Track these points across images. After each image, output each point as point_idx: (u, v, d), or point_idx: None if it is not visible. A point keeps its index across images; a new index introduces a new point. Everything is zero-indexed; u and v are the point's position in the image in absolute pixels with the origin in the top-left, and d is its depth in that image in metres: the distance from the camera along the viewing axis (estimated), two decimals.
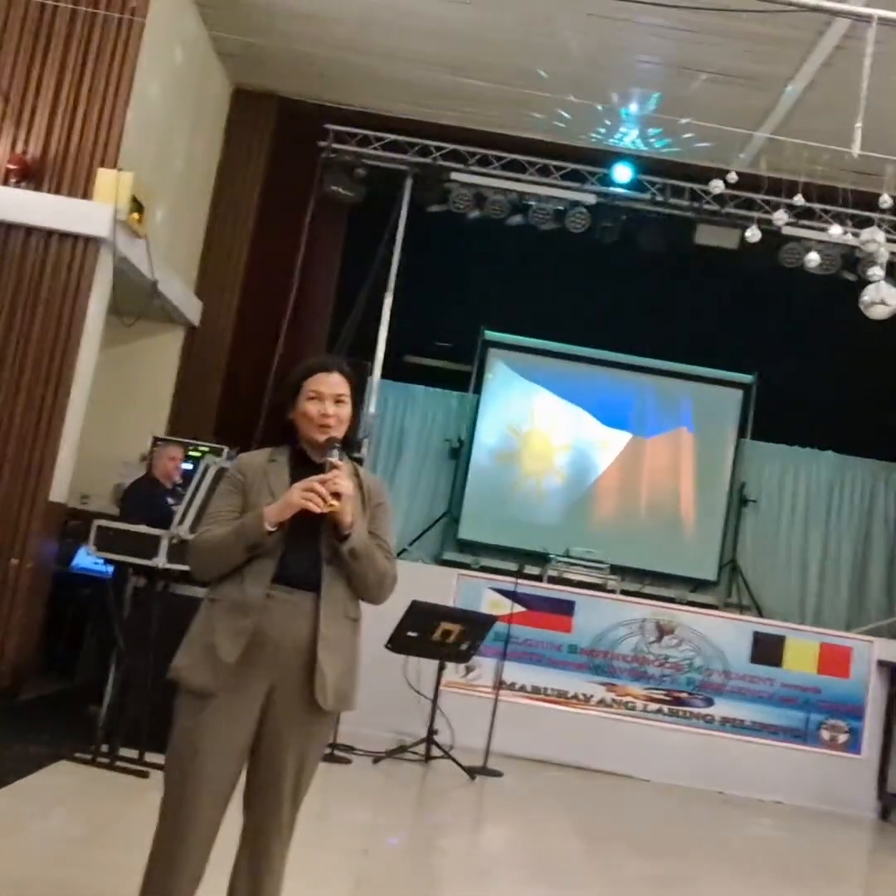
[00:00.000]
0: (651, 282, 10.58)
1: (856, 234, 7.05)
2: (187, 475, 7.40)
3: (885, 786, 8.07)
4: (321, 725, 2.98)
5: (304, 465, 2.95)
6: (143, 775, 5.49)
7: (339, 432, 2.93)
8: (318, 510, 2.80)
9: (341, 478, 2.84)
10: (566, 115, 9.48)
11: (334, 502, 2.80)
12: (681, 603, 10.05)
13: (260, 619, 2.82)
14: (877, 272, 6.95)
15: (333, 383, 2.94)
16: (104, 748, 5.63)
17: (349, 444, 3.01)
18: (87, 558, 7.95)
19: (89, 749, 5.64)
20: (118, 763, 5.56)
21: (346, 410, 2.95)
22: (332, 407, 2.92)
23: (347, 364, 3.05)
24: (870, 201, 6.89)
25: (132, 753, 5.63)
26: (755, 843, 6.70)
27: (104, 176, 7.30)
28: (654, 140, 9.77)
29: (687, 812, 7.23)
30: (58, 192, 7.35)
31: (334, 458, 2.88)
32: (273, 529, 2.83)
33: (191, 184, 9.34)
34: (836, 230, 7.22)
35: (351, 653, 3.00)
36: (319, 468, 2.89)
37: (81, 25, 7.42)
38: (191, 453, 8.24)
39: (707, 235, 10.05)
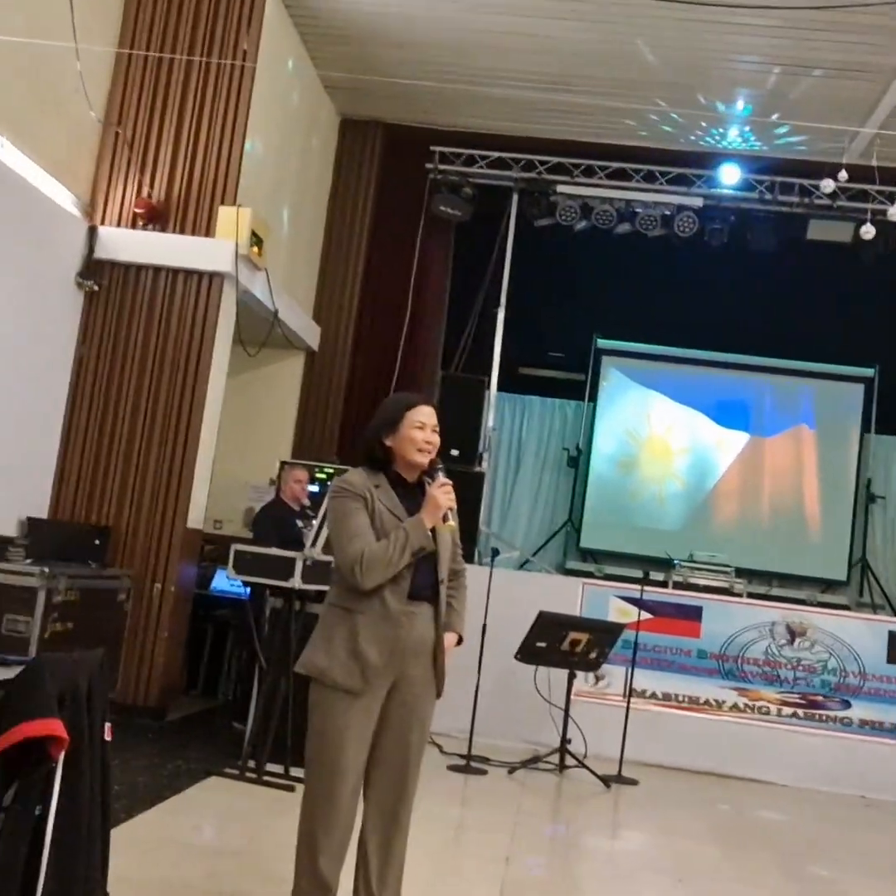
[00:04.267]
0: (763, 280, 10.48)
1: None
2: (314, 497, 7.64)
3: None
4: (431, 708, 3.49)
5: (403, 485, 3.42)
6: (290, 789, 5.71)
7: (433, 456, 3.43)
8: (452, 507, 3.32)
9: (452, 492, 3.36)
10: (669, 120, 9.48)
11: (452, 522, 3.36)
12: (811, 604, 9.89)
13: (399, 629, 3.27)
14: None
15: (431, 414, 3.43)
16: (251, 764, 5.87)
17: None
18: (224, 581, 8.28)
19: (237, 765, 5.89)
20: (265, 778, 5.79)
21: (437, 438, 3.44)
22: (431, 435, 3.40)
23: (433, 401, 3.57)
24: None
25: (278, 768, 5.87)
26: None
27: (225, 213, 7.62)
28: (759, 138, 9.69)
29: (829, 817, 7.13)
30: (182, 231, 7.70)
31: (442, 476, 3.38)
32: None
33: (305, 213, 9.65)
34: None
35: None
36: (416, 488, 3.42)
37: (197, 74, 7.78)
38: (316, 475, 8.49)
39: (820, 231, 9.92)
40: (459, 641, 3.51)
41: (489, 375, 10.37)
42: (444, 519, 3.34)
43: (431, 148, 10.24)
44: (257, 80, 7.84)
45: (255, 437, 9.52)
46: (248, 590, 6.81)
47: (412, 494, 3.40)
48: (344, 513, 3.32)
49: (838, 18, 7.70)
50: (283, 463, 8.72)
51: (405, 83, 9.11)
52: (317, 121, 9.67)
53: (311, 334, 9.85)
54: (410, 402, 3.42)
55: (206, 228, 7.69)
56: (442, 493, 3.32)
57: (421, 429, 3.38)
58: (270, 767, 5.84)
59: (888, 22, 7.66)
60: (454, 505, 3.36)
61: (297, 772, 5.88)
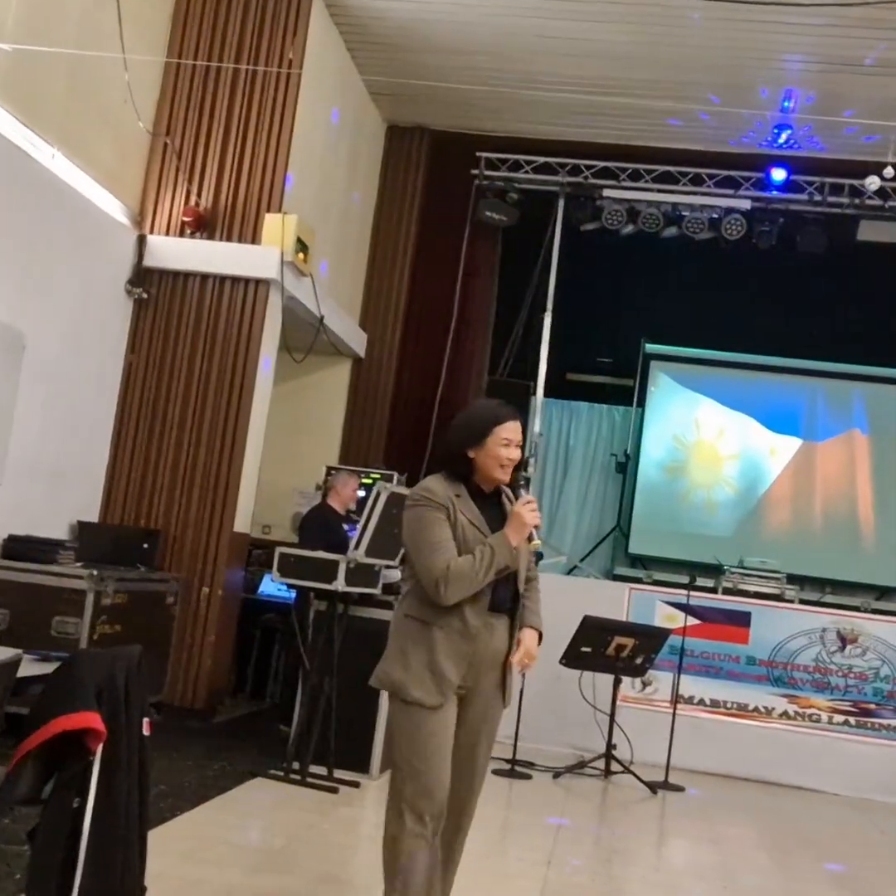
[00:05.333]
0: (813, 283, 10.35)
1: None
2: (360, 502, 7.67)
3: None
4: (500, 717, 3.48)
5: (483, 498, 3.37)
6: (334, 791, 5.74)
7: (512, 472, 3.37)
8: (539, 524, 3.29)
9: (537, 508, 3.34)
10: (714, 122, 9.41)
11: (537, 540, 3.31)
12: (865, 611, 9.72)
13: (477, 643, 3.28)
14: None
15: (518, 430, 3.36)
16: (295, 765, 5.90)
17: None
18: (271, 585, 8.35)
19: (281, 767, 5.93)
20: (309, 779, 5.82)
21: (519, 453, 3.37)
22: (515, 452, 3.34)
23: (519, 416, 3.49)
24: None
25: (321, 770, 5.90)
26: None
27: (271, 220, 7.70)
28: (807, 139, 9.58)
29: (880, 826, 7.01)
30: (229, 239, 7.80)
31: (526, 493, 3.35)
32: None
33: (351, 220, 9.72)
34: None
35: None
36: (493, 499, 3.38)
37: (243, 82, 7.88)
38: (363, 481, 8.52)
39: (870, 232, 9.79)
40: (540, 638, 3.47)
41: (536, 381, 10.35)
42: (530, 539, 3.30)
43: (477, 154, 10.25)
44: (303, 87, 7.92)
45: (303, 443, 9.60)
46: (294, 593, 6.87)
47: (490, 505, 3.37)
48: (426, 522, 3.26)
49: (881, 15, 7.60)
50: (329, 468, 8.78)
51: (449, 89, 9.14)
52: (362, 127, 9.74)
53: (358, 341, 9.91)
54: (499, 418, 3.33)
55: (253, 236, 7.78)
56: (528, 511, 3.27)
57: (506, 446, 3.31)
58: (314, 769, 5.88)
59: None
60: (540, 523, 3.31)
61: (340, 774, 5.92)
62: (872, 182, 6.99)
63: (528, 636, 3.41)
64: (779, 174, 9.78)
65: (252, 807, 5.48)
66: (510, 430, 3.32)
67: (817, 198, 9.88)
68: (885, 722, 8.02)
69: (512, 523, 3.27)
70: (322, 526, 7.36)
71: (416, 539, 3.27)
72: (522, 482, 3.39)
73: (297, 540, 7.59)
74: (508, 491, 3.44)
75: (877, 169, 7.13)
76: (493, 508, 3.36)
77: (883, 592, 10.93)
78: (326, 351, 9.38)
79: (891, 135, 7.70)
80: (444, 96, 9.50)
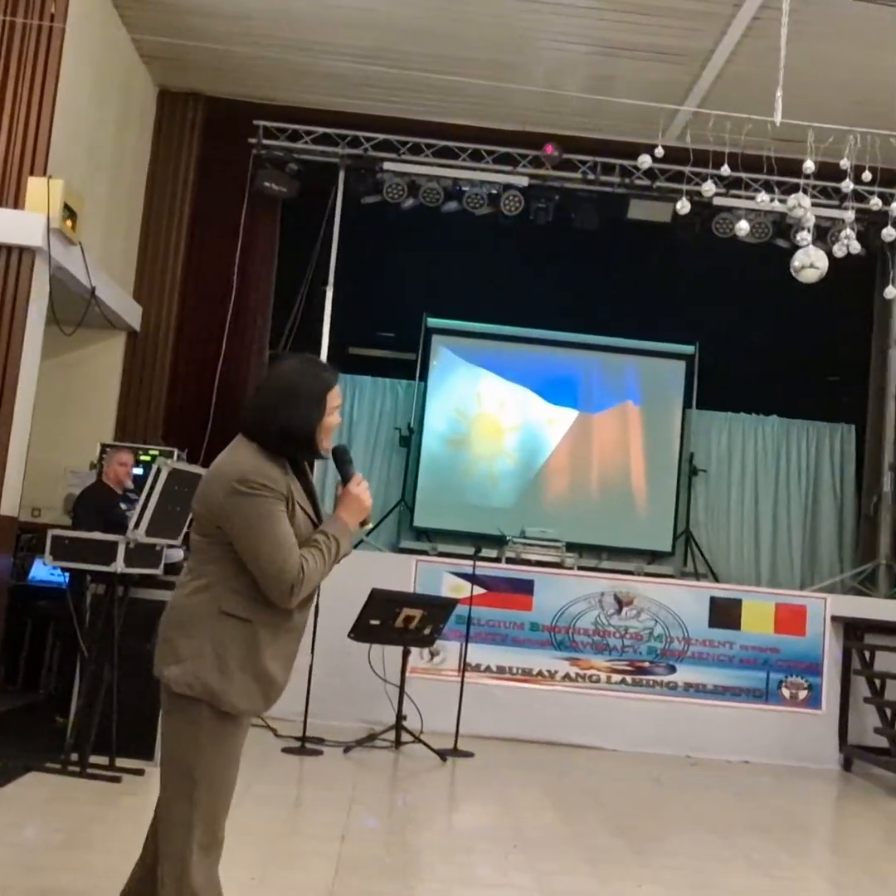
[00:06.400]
0: (588, 259, 10.70)
1: (783, 201, 7.17)
2: (138, 480, 7.38)
3: (846, 738, 8.28)
4: None
5: (301, 475, 2.98)
6: (116, 780, 5.51)
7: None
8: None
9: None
10: (493, 99, 9.52)
11: (369, 523, 3.03)
12: (638, 575, 10.18)
13: (298, 643, 2.97)
14: (805, 237, 7.08)
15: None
16: (74, 757, 5.63)
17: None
18: (43, 570, 7.92)
19: (59, 759, 5.64)
20: (89, 770, 5.56)
21: None
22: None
23: None
24: (794, 168, 7.01)
25: (103, 760, 5.65)
26: (725, 802, 6.83)
27: (35, 184, 7.23)
28: (581, 119, 9.85)
29: (654, 776, 7.35)
30: None
31: (353, 468, 3.02)
32: None
33: (122, 187, 9.27)
34: (763, 198, 7.33)
35: None
36: (303, 473, 2.98)
37: (0, 33, 7.35)
38: (141, 458, 8.21)
39: (640, 210, 10.20)
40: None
41: (318, 355, 10.23)
42: (364, 522, 3.00)
43: (254, 122, 10.02)
44: (67, 43, 7.45)
45: (74, 420, 9.11)
46: (68, 577, 6.53)
47: (305, 481, 2.98)
48: (271, 518, 2.80)
49: (654, 2, 7.89)
50: (104, 446, 8.40)
51: (224, 54, 8.86)
52: (133, 91, 9.29)
53: (132, 314, 9.49)
54: (330, 384, 2.95)
55: (15, 200, 7.28)
56: (363, 491, 2.98)
57: (335, 412, 2.98)
58: (95, 760, 5.62)
59: (701, 7, 7.90)
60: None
61: (123, 762, 5.68)
62: (644, 161, 7.24)
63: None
64: (553, 152, 10.00)
65: (28, 803, 5.17)
66: (338, 395, 2.99)
67: (590, 176, 10.19)
68: (657, 678, 8.42)
69: (349, 506, 2.96)
70: (98, 505, 7.04)
71: (254, 535, 2.79)
72: (349, 457, 3.03)
73: (71, 522, 7.24)
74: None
75: (646, 149, 7.39)
76: (306, 483, 3.00)
77: (654, 556, 11.48)
78: (99, 324, 8.92)
79: (660, 117, 8.01)
80: (219, 62, 9.19)
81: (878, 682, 8.15)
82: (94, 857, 4.37)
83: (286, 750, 6.84)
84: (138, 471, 7.73)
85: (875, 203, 7.31)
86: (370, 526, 3.02)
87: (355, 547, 10.34)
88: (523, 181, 10.18)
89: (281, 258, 10.58)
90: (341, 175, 10.22)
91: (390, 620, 7.09)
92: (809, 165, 6.69)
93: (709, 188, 7.04)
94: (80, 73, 7.87)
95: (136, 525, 5.59)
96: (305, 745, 6.91)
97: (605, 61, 8.82)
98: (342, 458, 3.02)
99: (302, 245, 10.32)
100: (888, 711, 7.91)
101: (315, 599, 3.17)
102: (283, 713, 7.24)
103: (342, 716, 7.72)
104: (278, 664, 2.87)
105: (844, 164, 6.88)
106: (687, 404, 11.79)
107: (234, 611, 2.83)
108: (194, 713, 2.81)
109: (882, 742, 7.85)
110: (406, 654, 7.37)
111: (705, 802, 6.75)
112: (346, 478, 3.02)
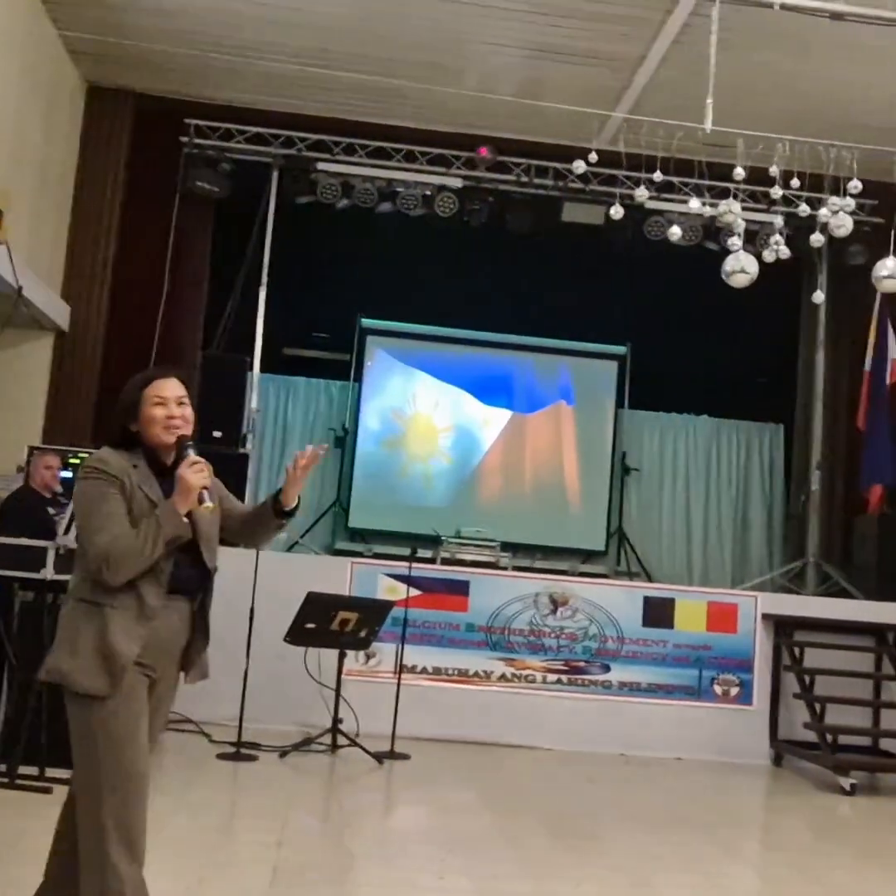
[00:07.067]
0: (522, 261, 10.76)
1: (713, 206, 7.29)
2: (67, 483, 7.25)
3: (776, 733, 8.42)
4: (168, 709, 3.30)
5: (163, 471, 3.11)
6: (47, 791, 5.39)
7: (187, 431, 3.13)
8: (208, 486, 3.04)
9: (207, 469, 3.07)
10: (426, 100, 9.52)
11: (209, 503, 3.05)
12: (572, 575, 10.26)
13: (154, 626, 3.00)
14: (735, 242, 7.20)
15: (174, 387, 3.14)
16: (2, 767, 5.51)
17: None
18: None
19: None
20: (18, 781, 5.45)
21: (189, 411, 3.16)
22: (176, 408, 3.12)
23: (181, 371, 3.26)
24: (725, 174, 7.13)
25: (32, 771, 5.54)
26: (659, 799, 6.91)
27: None
28: (516, 122, 9.89)
29: (591, 776, 7.42)
30: None
31: (192, 454, 3.07)
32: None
33: (49, 185, 9.11)
34: (694, 203, 7.46)
35: None
36: (174, 471, 3.07)
37: None
38: (70, 461, 8.07)
39: (573, 213, 10.28)
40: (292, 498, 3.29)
41: (252, 356, 10.15)
42: (201, 501, 3.02)
43: (186, 120, 9.90)
44: None
45: (1, 422, 8.93)
46: None
47: (172, 480, 3.06)
48: (96, 497, 2.98)
49: (586, 7, 7.96)
50: (31, 449, 8.24)
51: (157, 51, 8.77)
52: (60, 86, 9.13)
53: (60, 314, 9.32)
54: (146, 379, 3.12)
55: None
56: (192, 472, 3.00)
57: (162, 405, 3.08)
58: (24, 770, 5.50)
59: (633, 12, 7.98)
60: (209, 484, 3.05)
61: (53, 772, 5.57)
62: (579, 166, 7.31)
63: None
64: (487, 154, 10.04)
65: None
66: (160, 387, 3.10)
67: (524, 179, 10.25)
68: (593, 678, 8.49)
69: (178, 488, 3.00)
70: (25, 510, 6.92)
71: (84, 515, 3.01)
72: (189, 443, 3.10)
73: None
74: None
75: (581, 152, 7.45)
76: (174, 483, 3.09)
77: (588, 556, 11.58)
78: (25, 324, 8.76)
79: (592, 119, 8.08)
80: (148, 58, 9.08)
81: (807, 678, 8.30)
82: (23, 871, 4.27)
83: (221, 756, 6.77)
84: (67, 474, 7.60)
85: (803, 209, 7.46)
86: (210, 505, 3.05)
87: (289, 549, 10.34)
88: (457, 183, 10.21)
89: (215, 258, 10.48)
90: (275, 175, 10.16)
91: (326, 623, 7.05)
92: (740, 172, 6.81)
93: (642, 193, 7.14)
94: (4, 68, 7.71)
95: (66, 531, 5.50)
96: (240, 751, 6.84)
97: (538, 65, 8.87)
98: (181, 445, 3.11)
99: (235, 245, 10.22)
100: (817, 707, 8.06)
101: (210, 590, 3.18)
102: (217, 718, 7.21)
103: (278, 720, 7.66)
104: (125, 639, 2.94)
105: (774, 170, 7.01)
106: (619, 404, 11.91)
107: (86, 596, 3.00)
108: (70, 705, 2.98)
109: (811, 737, 8.00)
110: (342, 657, 7.33)
111: (639, 800, 6.82)
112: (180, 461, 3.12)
